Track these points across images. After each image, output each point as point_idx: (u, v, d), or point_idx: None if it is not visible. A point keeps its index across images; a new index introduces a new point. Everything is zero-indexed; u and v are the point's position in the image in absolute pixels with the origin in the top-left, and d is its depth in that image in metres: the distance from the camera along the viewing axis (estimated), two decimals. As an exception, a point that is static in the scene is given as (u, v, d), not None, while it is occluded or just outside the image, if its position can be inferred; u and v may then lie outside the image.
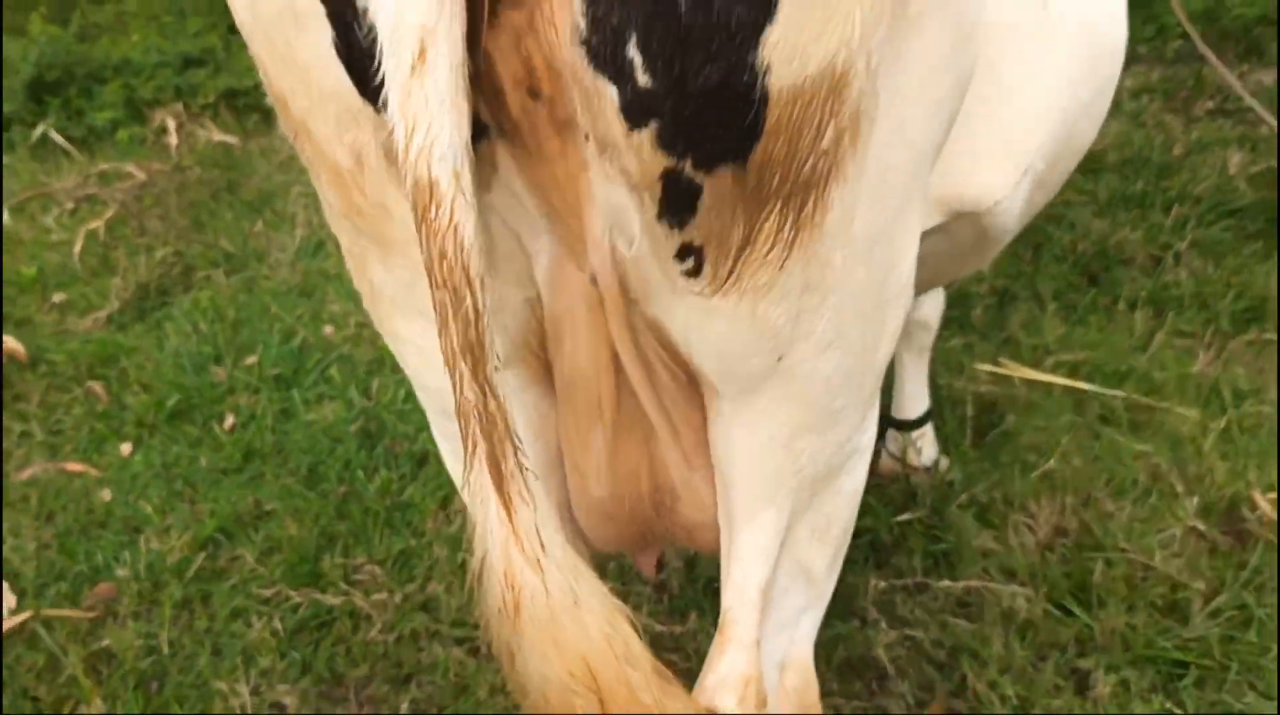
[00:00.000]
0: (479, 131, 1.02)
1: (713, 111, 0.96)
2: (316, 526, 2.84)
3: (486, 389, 0.98)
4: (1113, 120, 5.09)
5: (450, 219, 0.93)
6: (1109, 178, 4.41)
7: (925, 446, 2.82)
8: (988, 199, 1.55)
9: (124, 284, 4.15)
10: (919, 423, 2.80)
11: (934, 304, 2.72)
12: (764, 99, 0.95)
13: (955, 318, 3.57)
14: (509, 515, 1.03)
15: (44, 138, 5.63)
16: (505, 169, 1.07)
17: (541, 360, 1.27)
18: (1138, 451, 2.81)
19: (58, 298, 4.16)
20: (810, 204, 1.05)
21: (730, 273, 1.08)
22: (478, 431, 0.99)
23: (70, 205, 4.91)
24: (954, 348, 3.40)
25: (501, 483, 1.01)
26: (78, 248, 4.47)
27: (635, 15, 0.90)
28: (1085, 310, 3.59)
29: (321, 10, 0.95)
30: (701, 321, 1.14)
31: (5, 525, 2.96)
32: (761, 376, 1.20)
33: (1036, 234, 4.04)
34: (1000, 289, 3.73)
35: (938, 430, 2.95)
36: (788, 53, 0.94)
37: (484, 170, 1.07)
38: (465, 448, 1.00)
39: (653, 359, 1.23)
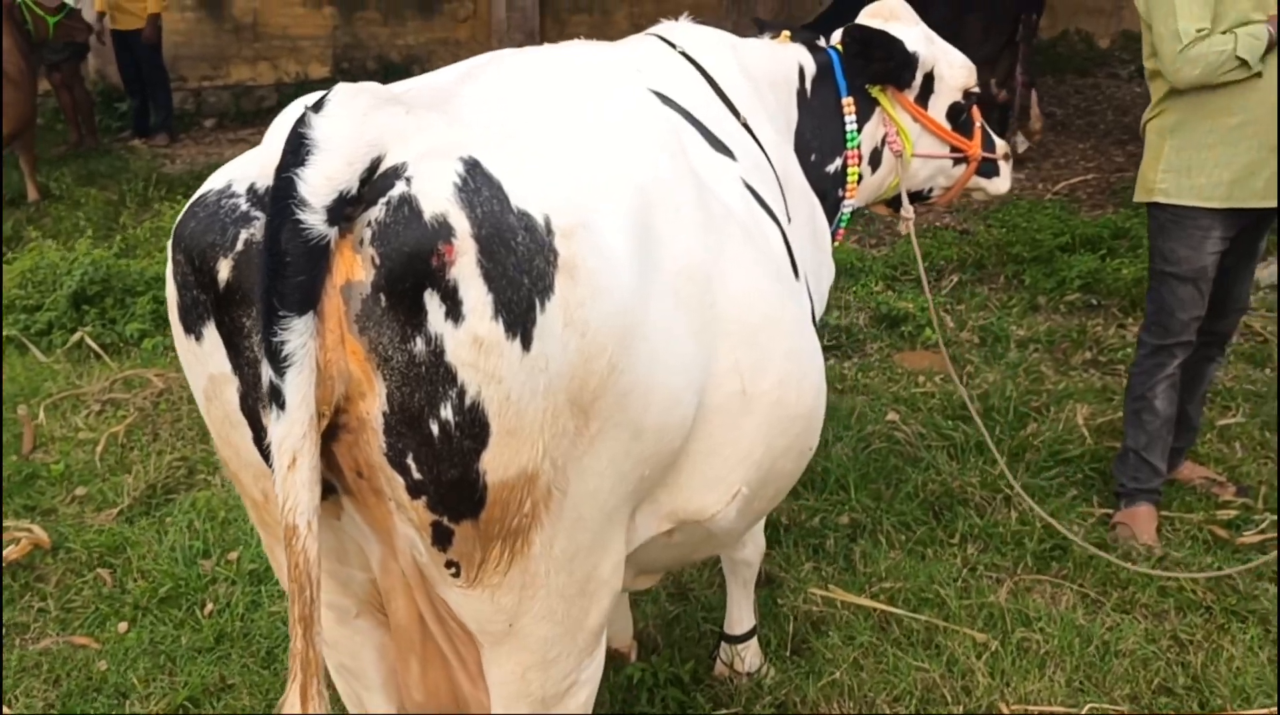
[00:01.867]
0: (331, 490, 1.82)
1: (457, 493, 1.75)
2: (268, 701, 3.57)
3: (310, 644, 1.73)
4: (992, 370, 5.91)
5: (302, 547, 1.71)
6: (971, 425, 5.20)
7: (749, 656, 3.55)
8: (706, 514, 2.27)
9: (135, 482, 4.95)
10: (744, 637, 3.54)
11: (754, 547, 3.46)
12: (485, 487, 1.75)
13: (812, 546, 4.32)
14: None
15: (80, 343, 6.52)
16: (349, 510, 1.87)
17: (382, 613, 2.05)
18: (918, 666, 3.54)
19: (80, 491, 4.96)
20: (519, 541, 1.84)
21: (476, 577, 1.87)
22: (298, 668, 1.74)
23: (97, 407, 5.76)
24: (804, 572, 4.14)
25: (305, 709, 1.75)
26: (100, 447, 5.29)
27: (412, 443, 1.70)
28: (922, 543, 4.34)
29: (245, 422, 1.76)
30: (463, 601, 1.91)
31: (19, 688, 3.70)
32: (502, 634, 1.96)
33: (897, 474, 4.82)
34: (856, 522, 4.48)
35: (764, 641, 3.69)
36: (497, 464, 1.74)
37: (336, 510, 1.87)
38: (289, 675, 1.76)
39: (444, 616, 2.00)
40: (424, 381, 1.65)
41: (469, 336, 1.64)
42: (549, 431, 1.76)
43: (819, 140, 3.47)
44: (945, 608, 3.88)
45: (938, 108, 3.70)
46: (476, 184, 1.67)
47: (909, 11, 3.74)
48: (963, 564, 4.20)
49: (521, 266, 1.67)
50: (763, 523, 3.44)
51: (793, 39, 3.61)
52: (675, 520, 2.26)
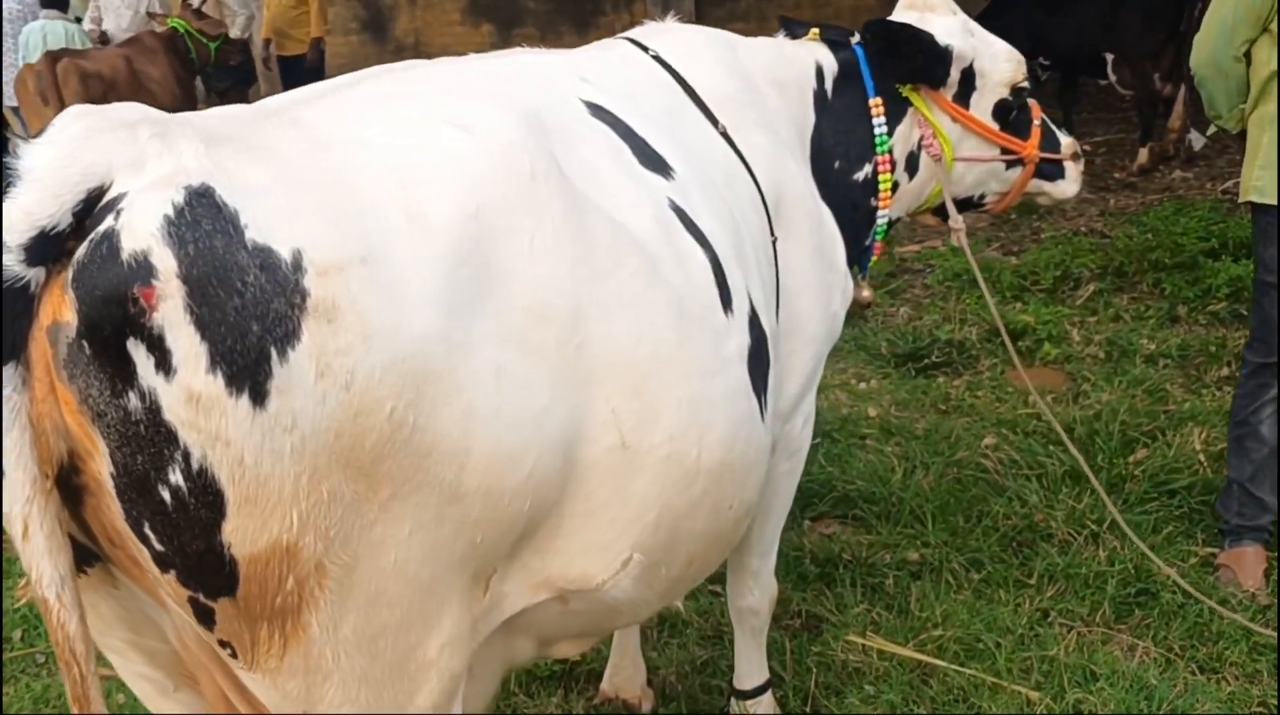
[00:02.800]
0: (95, 557, 1.66)
1: (204, 567, 1.57)
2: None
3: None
4: (1110, 388, 5.43)
5: (59, 620, 1.56)
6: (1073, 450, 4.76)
7: (761, 713, 3.27)
8: (590, 582, 2.02)
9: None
10: (755, 692, 3.26)
11: (761, 593, 3.17)
12: (234, 561, 1.57)
13: (871, 585, 4.00)
14: None
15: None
16: (122, 579, 1.71)
17: (192, 679, 1.88)
18: (950, 727, 3.20)
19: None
20: (289, 622, 1.64)
21: (252, 659, 1.68)
22: None
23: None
24: (853, 615, 3.83)
25: None
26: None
27: (145, 510, 1.53)
28: (992, 584, 3.96)
29: None
30: (252, 684, 1.73)
31: (47, 718, 3.71)
32: None
33: (979, 505, 4.44)
34: (925, 560, 4.14)
35: (788, 694, 3.40)
36: (241, 536, 1.55)
37: (111, 577, 1.71)
38: None
39: (249, 697, 1.81)
40: (145, 442, 1.48)
41: (183, 392, 1.46)
42: (306, 500, 1.56)
43: (844, 145, 3.18)
44: (997, 660, 3.51)
45: (982, 106, 3.35)
46: (196, 216, 1.48)
47: (948, 2, 3.41)
48: (1032, 609, 3.81)
49: (250, 310, 1.48)
50: (769, 564, 3.16)
51: (821, 37, 3.33)
52: (554, 589, 2.02)
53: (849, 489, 4.66)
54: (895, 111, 3.24)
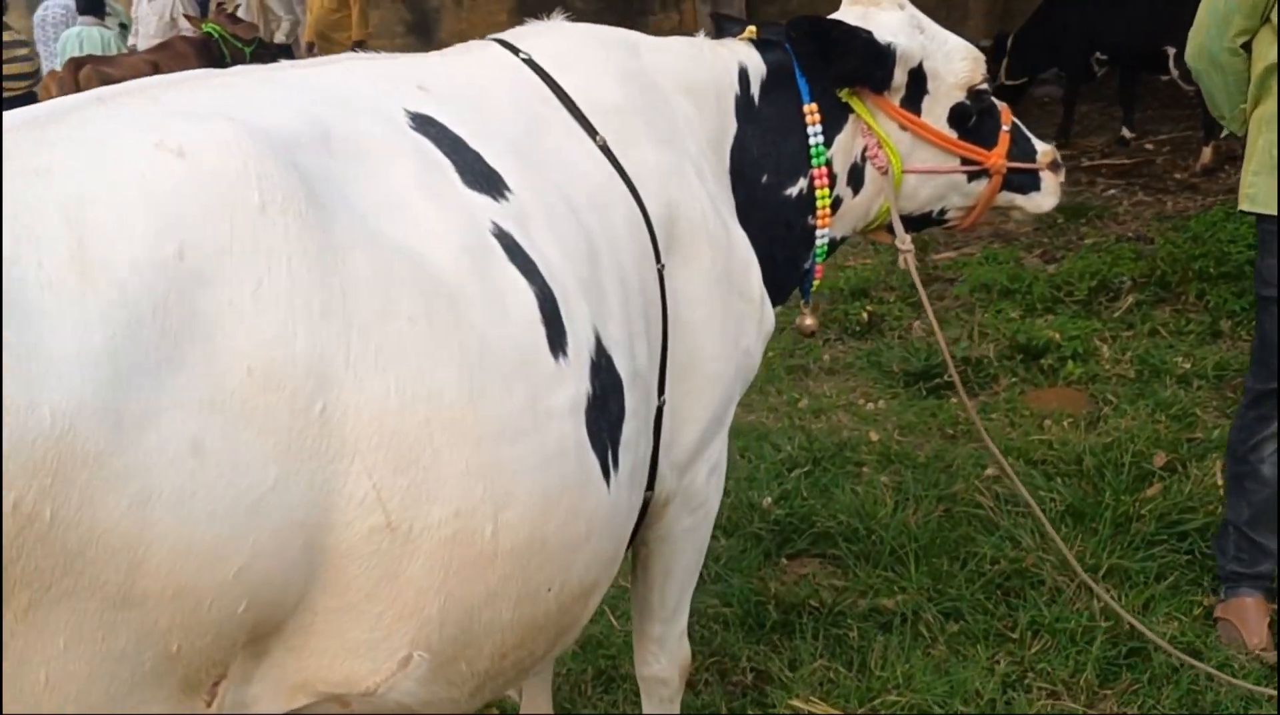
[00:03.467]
0: None
1: None
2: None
3: None
4: (1134, 411, 4.99)
5: None
6: (1078, 484, 4.35)
7: (674, 791, 2.91)
8: (359, 686, 1.71)
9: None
10: (670, 768, 2.90)
11: (669, 661, 2.82)
12: None
13: (834, 637, 3.63)
14: None
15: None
16: None
17: None
18: (881, 817, 2.83)
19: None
20: None
21: None
22: None
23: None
24: (807, 672, 3.46)
25: None
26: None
27: None
28: (968, 638, 3.57)
29: None
30: None
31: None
32: None
33: (967, 545, 4.04)
34: (898, 608, 3.75)
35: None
36: None
37: None
38: None
39: None
40: None
41: None
42: None
43: (773, 157, 2.82)
44: (952, 731, 3.13)
45: (935, 112, 2.96)
46: None
47: None
48: (1010, 668, 3.41)
49: None
50: (675, 630, 2.81)
51: (756, 35, 2.97)
52: (315, 693, 1.70)
53: (829, 525, 4.28)
54: (834, 119, 2.88)
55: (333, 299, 1.61)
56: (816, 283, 3.02)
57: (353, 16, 12.55)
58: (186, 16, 11.32)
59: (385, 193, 1.81)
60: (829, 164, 2.87)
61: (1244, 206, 3.37)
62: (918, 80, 2.92)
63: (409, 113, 2.01)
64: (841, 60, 2.79)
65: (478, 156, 2.02)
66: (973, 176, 3.05)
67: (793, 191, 2.85)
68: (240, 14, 12.00)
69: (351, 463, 1.60)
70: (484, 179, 1.98)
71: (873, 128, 2.89)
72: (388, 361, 1.64)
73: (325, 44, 12.78)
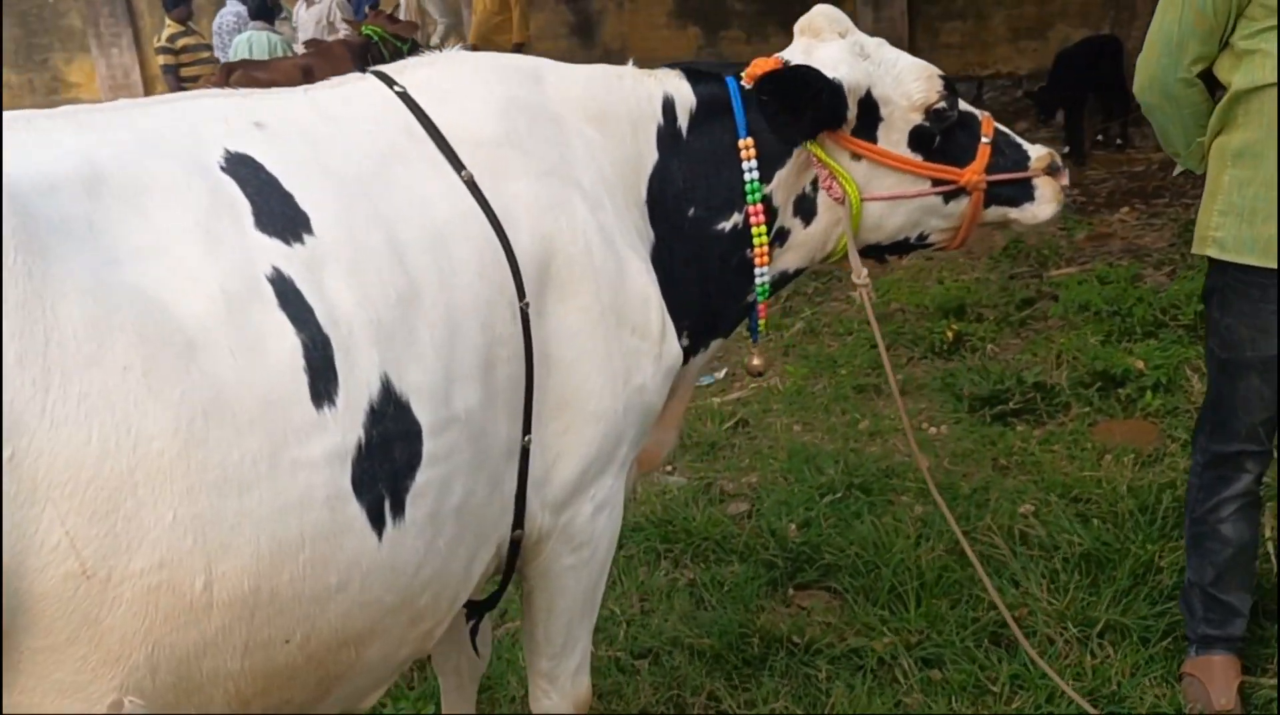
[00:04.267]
0: None
1: None
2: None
3: None
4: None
5: None
6: (1109, 527, 4.09)
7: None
8: None
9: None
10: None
11: (561, 698, 2.70)
12: None
13: (804, 677, 3.51)
14: None
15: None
16: None
17: None
18: None
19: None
20: None
21: None
22: None
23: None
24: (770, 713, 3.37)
25: None
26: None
27: None
28: (943, 689, 3.40)
29: None
30: None
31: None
32: None
33: (970, 588, 3.85)
34: (880, 650, 3.60)
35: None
36: None
37: None
38: None
39: None
40: None
41: None
42: None
43: (702, 190, 2.74)
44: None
45: (893, 138, 2.83)
46: None
47: (831, 19, 2.91)
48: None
49: None
50: (566, 666, 2.73)
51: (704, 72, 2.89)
52: None
53: (840, 557, 4.15)
54: (773, 154, 2.78)
55: (33, 347, 1.63)
56: (763, 323, 2.93)
57: (513, 20, 12.81)
58: (346, 21, 11.72)
59: (147, 237, 1.82)
60: (766, 200, 2.78)
61: (1207, 251, 3.04)
62: (868, 109, 2.79)
63: (228, 152, 2.02)
64: (811, 110, 2.69)
65: (288, 198, 2.02)
66: (949, 196, 2.91)
67: (724, 226, 2.76)
68: (402, 14, 12.36)
69: (43, 509, 1.62)
70: (283, 222, 1.98)
71: (824, 160, 2.78)
72: (90, 410, 1.66)
73: (486, 46, 13.04)
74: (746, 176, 2.75)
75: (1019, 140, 3.02)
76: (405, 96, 2.39)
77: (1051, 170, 3.01)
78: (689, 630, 3.84)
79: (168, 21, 12.40)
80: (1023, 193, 2.99)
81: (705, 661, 3.67)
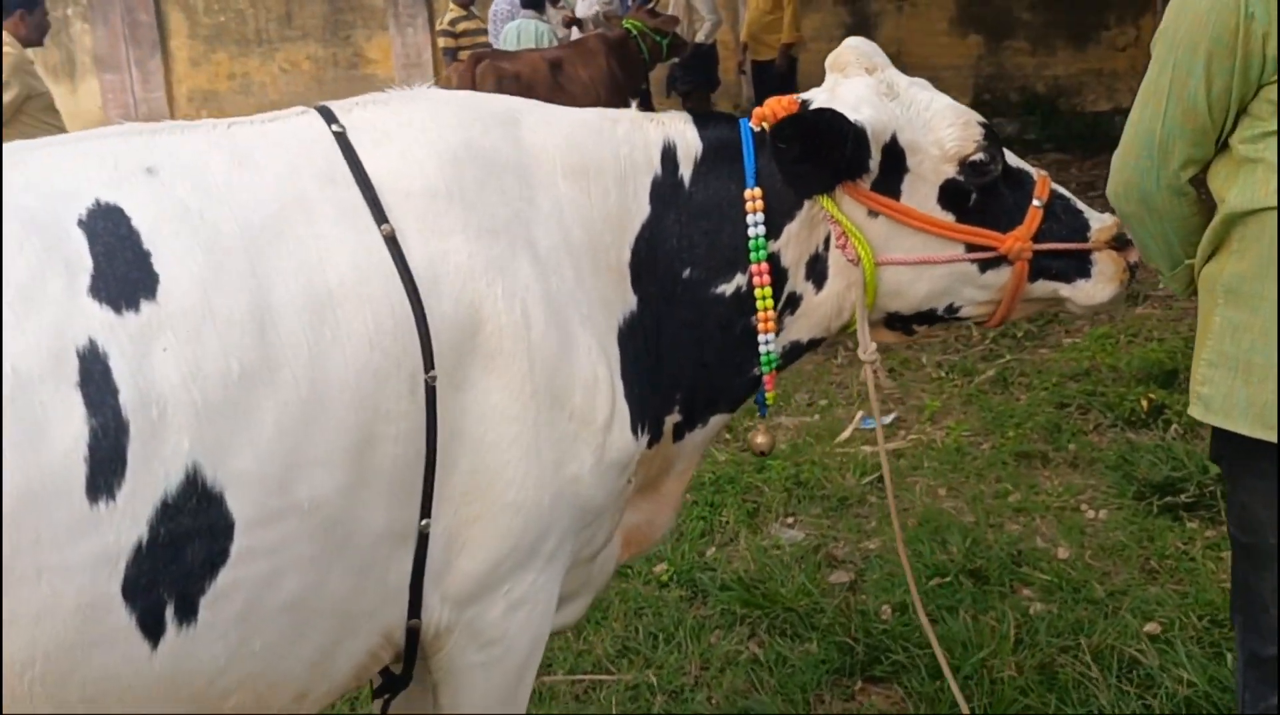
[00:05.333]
0: None
1: None
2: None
3: None
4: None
5: None
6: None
7: None
8: None
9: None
10: None
11: None
12: None
13: None
14: None
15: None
16: None
17: None
18: None
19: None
20: None
21: None
22: None
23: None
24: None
25: None
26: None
27: None
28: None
29: None
30: None
31: None
32: None
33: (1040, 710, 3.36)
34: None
35: None
36: None
37: None
38: None
39: None
40: None
41: None
42: None
43: (700, 248, 2.46)
44: None
45: (922, 192, 2.47)
46: None
47: (860, 53, 2.56)
48: None
49: None
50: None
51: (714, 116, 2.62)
52: None
53: (917, 654, 3.72)
54: (783, 207, 2.46)
55: None
56: (770, 396, 2.60)
57: (784, 19, 12.50)
58: (607, 15, 11.73)
59: None
60: (773, 259, 2.46)
61: (1196, 412, 2.37)
62: (893, 157, 2.45)
63: (97, 203, 1.90)
64: (833, 157, 2.36)
65: (142, 258, 1.87)
66: (986, 264, 2.51)
67: (726, 288, 2.47)
68: (670, 9, 12.27)
69: None
70: (124, 286, 1.83)
71: (834, 214, 2.44)
72: None
73: (756, 45, 12.85)
74: (751, 231, 2.44)
75: (1081, 206, 2.59)
76: (341, 137, 2.21)
77: (1118, 245, 2.55)
78: (721, 711, 3.52)
79: (451, 5, 12.77)
80: (1078, 268, 2.56)
81: (720, 755, 3.35)
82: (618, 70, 10.89)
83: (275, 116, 2.29)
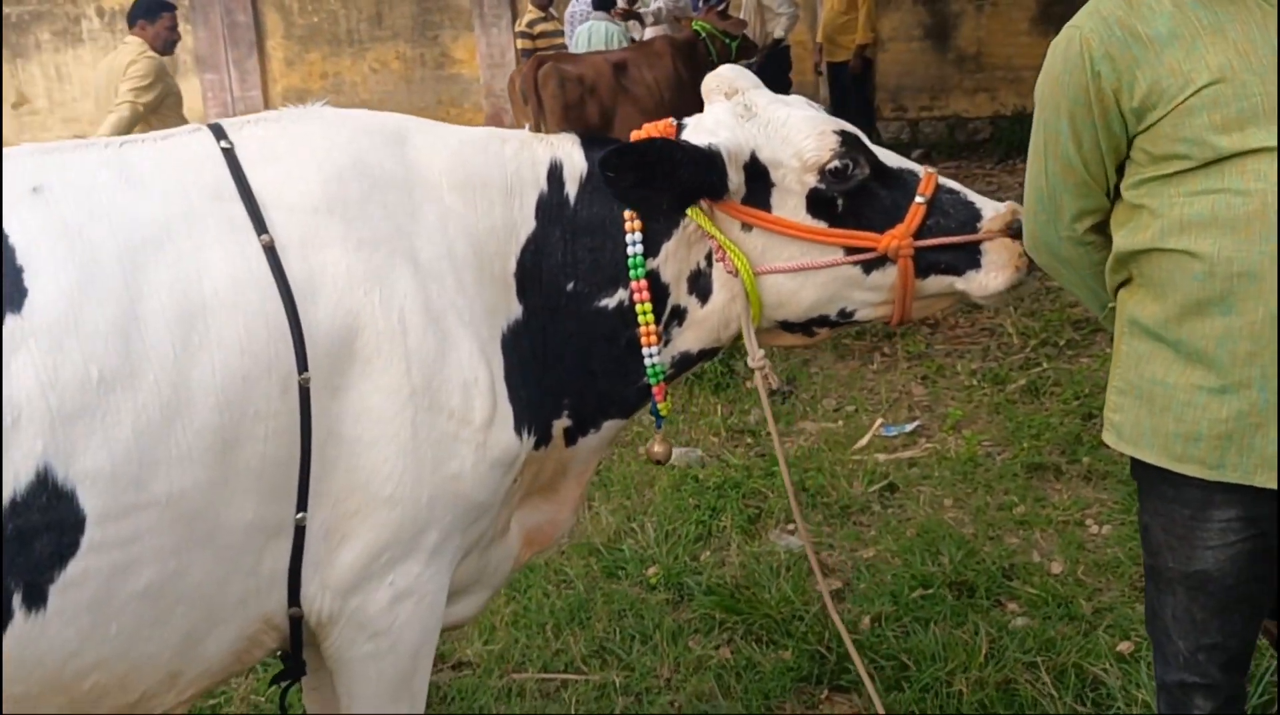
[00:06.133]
0: None
1: None
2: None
3: None
4: None
5: None
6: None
7: None
8: None
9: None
10: None
11: None
12: None
13: None
14: None
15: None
16: None
17: None
18: None
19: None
20: None
21: None
22: None
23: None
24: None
25: None
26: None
27: None
28: None
29: None
30: None
31: None
32: None
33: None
34: None
35: None
36: None
37: None
38: None
39: None
40: None
41: None
42: None
43: (584, 264, 2.56)
44: None
45: (790, 203, 2.53)
46: None
47: (722, 79, 2.67)
48: None
49: None
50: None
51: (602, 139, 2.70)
52: None
53: (884, 666, 3.72)
54: (660, 227, 2.55)
55: None
56: (663, 406, 2.66)
57: (859, 20, 12.42)
58: (675, 16, 11.76)
59: None
60: (653, 276, 2.54)
61: (1109, 439, 2.41)
62: (757, 175, 2.51)
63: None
64: (667, 184, 2.45)
65: (16, 273, 2.00)
66: (869, 266, 2.54)
67: (609, 302, 2.56)
68: (741, 13, 12.25)
69: None
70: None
71: (709, 229, 2.51)
72: None
73: (831, 46, 12.79)
74: (630, 250, 2.53)
75: (973, 198, 2.60)
76: (229, 153, 2.32)
77: (1014, 233, 2.55)
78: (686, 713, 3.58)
79: (530, 7, 12.92)
80: (968, 259, 2.57)
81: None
82: (684, 72, 10.90)
83: (169, 133, 2.42)
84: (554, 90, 9.92)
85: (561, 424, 2.63)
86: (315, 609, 2.35)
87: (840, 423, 6.12)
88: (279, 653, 2.56)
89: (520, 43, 13.13)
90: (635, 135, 2.56)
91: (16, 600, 1.93)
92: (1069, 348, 6.85)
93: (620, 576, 4.52)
